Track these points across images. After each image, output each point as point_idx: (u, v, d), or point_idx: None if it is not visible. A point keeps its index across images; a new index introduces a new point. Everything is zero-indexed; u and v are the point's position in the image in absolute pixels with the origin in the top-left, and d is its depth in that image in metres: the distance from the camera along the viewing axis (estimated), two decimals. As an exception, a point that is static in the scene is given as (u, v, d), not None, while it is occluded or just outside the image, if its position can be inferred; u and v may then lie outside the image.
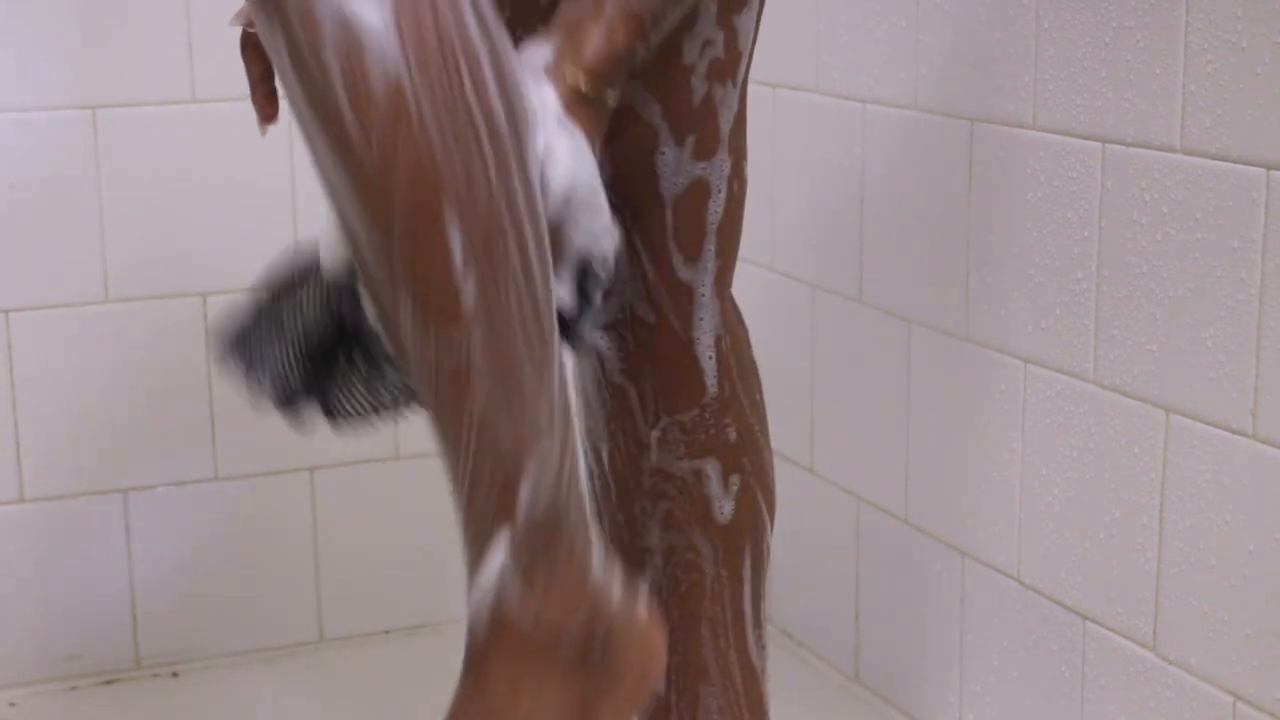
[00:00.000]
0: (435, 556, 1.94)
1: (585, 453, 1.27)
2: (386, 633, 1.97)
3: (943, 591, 1.66)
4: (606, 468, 1.27)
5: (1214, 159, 1.29)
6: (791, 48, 1.81)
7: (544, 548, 0.97)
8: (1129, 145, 1.37)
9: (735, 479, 1.26)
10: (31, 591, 1.82)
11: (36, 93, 1.75)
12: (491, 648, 0.98)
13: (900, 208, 1.67)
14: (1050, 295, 1.48)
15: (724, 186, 1.23)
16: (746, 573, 1.28)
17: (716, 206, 1.23)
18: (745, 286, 1.92)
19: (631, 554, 1.26)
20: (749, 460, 1.27)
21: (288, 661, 1.90)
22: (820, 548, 1.86)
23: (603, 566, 1.01)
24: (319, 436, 1.91)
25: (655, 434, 1.25)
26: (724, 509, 1.26)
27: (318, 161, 0.98)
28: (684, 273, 1.23)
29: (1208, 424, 1.33)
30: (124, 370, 1.82)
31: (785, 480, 1.91)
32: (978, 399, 1.58)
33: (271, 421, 1.89)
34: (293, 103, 0.98)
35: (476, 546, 0.97)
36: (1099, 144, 1.40)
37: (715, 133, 1.22)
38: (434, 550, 1.94)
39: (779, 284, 1.88)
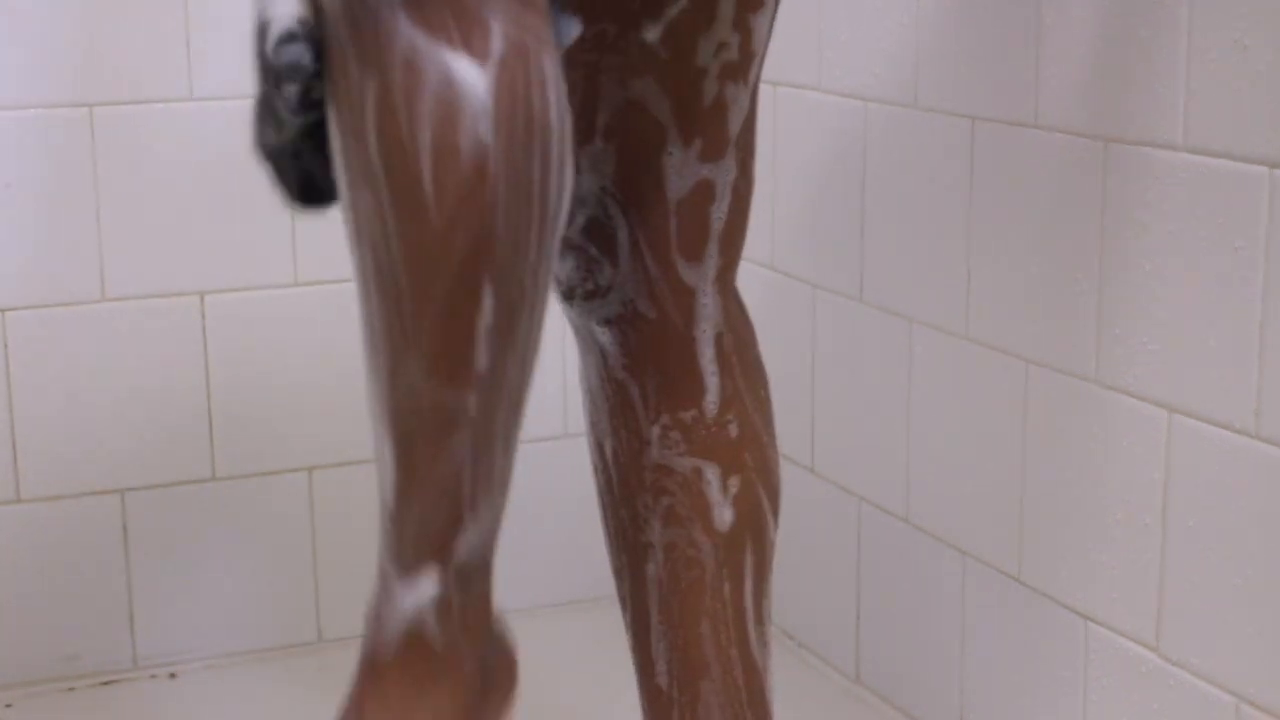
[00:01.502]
0: (434, 557, 1.93)
1: (590, 448, 1.28)
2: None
3: (944, 592, 1.66)
4: (610, 462, 1.27)
5: (1217, 157, 1.29)
6: (793, 45, 1.80)
7: (468, 587, 1.03)
8: (1131, 143, 1.37)
9: (735, 480, 1.26)
10: (28, 592, 1.82)
11: (33, 91, 1.75)
12: (398, 659, 1.03)
13: (901, 206, 1.67)
14: (1052, 294, 1.48)
15: (729, 188, 1.23)
16: (748, 569, 1.27)
17: (721, 209, 1.23)
18: (745, 285, 1.92)
19: (634, 549, 1.26)
20: (751, 456, 1.26)
21: (286, 662, 1.90)
22: (821, 548, 1.86)
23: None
24: (319, 436, 1.92)
25: (656, 430, 1.24)
26: (724, 515, 1.26)
27: (361, 200, 0.99)
28: (686, 272, 1.23)
29: (1211, 424, 1.33)
30: (121, 370, 1.82)
31: (785, 480, 1.91)
32: (979, 398, 1.58)
33: (271, 421, 1.90)
34: (354, 139, 0.99)
35: (402, 566, 1.02)
36: (1101, 142, 1.40)
37: (724, 134, 1.21)
38: (433, 550, 1.93)
39: (779, 283, 1.88)
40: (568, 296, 1.24)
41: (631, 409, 1.25)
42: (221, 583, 1.89)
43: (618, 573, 1.29)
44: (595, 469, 1.29)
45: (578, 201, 1.21)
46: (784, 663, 1.88)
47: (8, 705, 1.79)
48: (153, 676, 1.86)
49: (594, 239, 1.22)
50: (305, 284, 1.87)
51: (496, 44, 0.99)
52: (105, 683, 1.85)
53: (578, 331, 1.27)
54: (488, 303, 1.02)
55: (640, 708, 1.28)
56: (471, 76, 0.98)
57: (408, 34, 0.97)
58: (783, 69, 1.82)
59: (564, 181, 1.00)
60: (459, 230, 1.00)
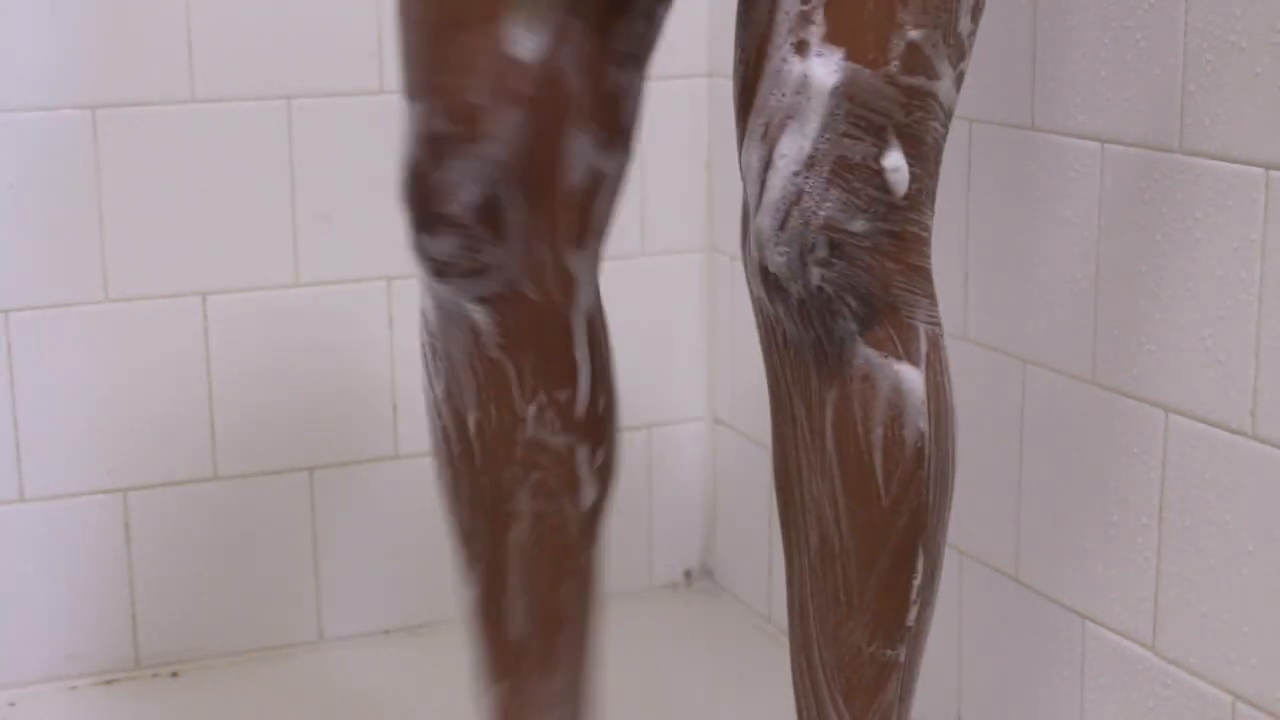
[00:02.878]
0: (435, 556, 1.94)
1: (440, 415, 1.30)
2: (386, 633, 1.97)
3: (942, 590, 1.66)
4: (473, 435, 1.29)
5: (1213, 159, 1.30)
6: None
7: None
8: (1128, 145, 1.38)
9: (600, 453, 1.31)
10: (31, 591, 1.82)
11: (36, 92, 1.75)
12: None
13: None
14: (1049, 295, 1.48)
15: (618, 179, 1.26)
16: (601, 535, 1.34)
17: (610, 200, 1.26)
18: (743, 286, 1.92)
19: (496, 516, 1.30)
20: (610, 430, 1.32)
21: (287, 661, 1.90)
22: (820, 548, 1.86)
23: None
24: (320, 436, 1.92)
25: (532, 409, 1.27)
26: (590, 489, 1.31)
27: (813, 486, 1.19)
28: (573, 260, 1.25)
29: (1207, 424, 1.33)
30: (123, 370, 1.82)
31: (785, 480, 1.92)
32: (976, 398, 1.59)
33: (272, 421, 1.90)
34: (812, 436, 1.19)
35: None
36: (1098, 144, 1.41)
37: (620, 123, 1.24)
38: (434, 550, 1.94)
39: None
40: (440, 273, 1.23)
41: (506, 386, 1.27)
42: (223, 582, 1.90)
43: (469, 534, 1.31)
44: (446, 437, 1.30)
45: (471, 179, 1.20)
46: (782, 658, 1.88)
47: (11, 704, 1.79)
48: (155, 675, 1.87)
49: (484, 219, 1.21)
50: (307, 284, 1.88)
51: (924, 345, 1.17)
52: (107, 681, 1.85)
53: (441, 306, 1.26)
54: (920, 566, 1.20)
55: (481, 659, 1.33)
56: (912, 380, 1.16)
57: (864, 354, 1.15)
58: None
59: (956, 443, 1.21)
60: (903, 508, 1.18)
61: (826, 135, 1.09)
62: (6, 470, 1.79)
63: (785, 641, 1.93)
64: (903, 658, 1.22)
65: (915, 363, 1.16)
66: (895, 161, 1.11)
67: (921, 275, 1.16)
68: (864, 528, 1.17)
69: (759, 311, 1.20)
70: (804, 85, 1.09)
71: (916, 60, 1.10)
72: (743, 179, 1.16)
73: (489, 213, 1.21)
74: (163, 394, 1.84)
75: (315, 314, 1.88)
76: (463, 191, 1.20)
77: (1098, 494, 1.45)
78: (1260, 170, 1.26)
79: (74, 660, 1.85)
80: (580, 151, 1.22)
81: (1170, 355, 1.36)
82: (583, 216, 1.24)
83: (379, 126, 1.79)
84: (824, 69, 1.09)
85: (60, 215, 1.78)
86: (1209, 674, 1.35)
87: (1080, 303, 1.45)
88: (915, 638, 1.23)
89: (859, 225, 1.11)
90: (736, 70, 1.18)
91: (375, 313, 1.90)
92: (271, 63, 1.82)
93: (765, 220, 1.12)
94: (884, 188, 1.11)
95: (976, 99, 1.54)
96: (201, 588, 1.89)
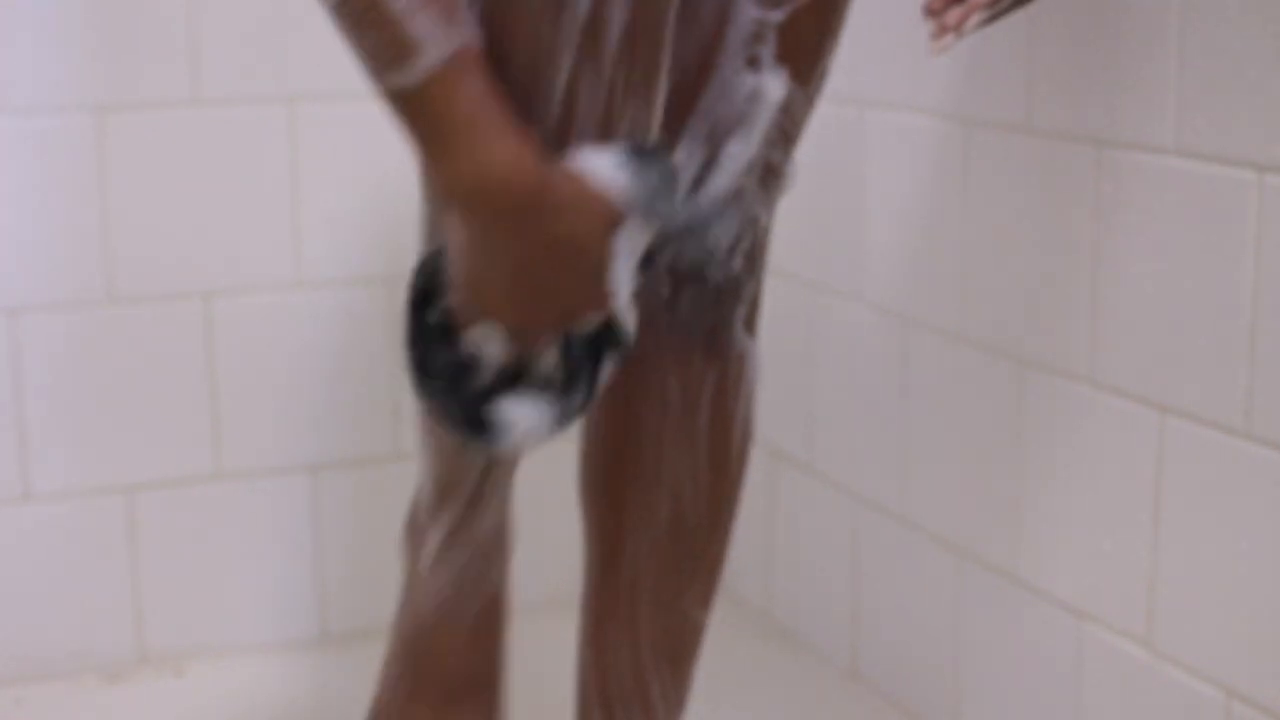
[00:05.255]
0: (437, 554, 1.94)
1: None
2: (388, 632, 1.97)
3: (940, 588, 1.67)
4: None
5: (1207, 161, 1.30)
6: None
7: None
8: (1123, 147, 1.38)
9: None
10: (37, 588, 1.83)
11: (41, 94, 1.75)
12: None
13: (898, 209, 1.68)
14: (1045, 296, 1.49)
15: None
16: None
17: None
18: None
19: None
20: None
21: (291, 657, 1.91)
22: (818, 544, 1.87)
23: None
24: (322, 435, 1.93)
25: None
26: None
27: (677, 456, 1.31)
28: None
29: (1201, 424, 1.34)
30: (127, 370, 1.82)
31: (785, 480, 1.92)
32: (974, 399, 1.59)
33: (275, 420, 1.90)
34: (687, 415, 1.29)
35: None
36: (1094, 146, 1.41)
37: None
38: (436, 548, 1.94)
39: (779, 285, 1.88)
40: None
41: None
42: (227, 579, 1.90)
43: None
44: None
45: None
46: (781, 658, 1.89)
47: (17, 700, 1.80)
48: (159, 672, 1.87)
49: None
50: (308, 285, 1.88)
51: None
52: (112, 678, 1.86)
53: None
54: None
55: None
56: (757, 358, 1.30)
57: (741, 336, 1.28)
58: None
59: None
60: (741, 478, 1.31)
61: (764, 142, 1.22)
62: (13, 469, 1.80)
63: (786, 640, 1.94)
64: (708, 619, 1.34)
65: (755, 342, 1.31)
66: (793, 167, 1.27)
67: None
68: (718, 498, 1.30)
69: (645, 302, 1.26)
70: (755, 96, 1.20)
71: (823, 80, 1.26)
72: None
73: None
74: (165, 394, 1.84)
75: (318, 314, 1.88)
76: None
77: (1093, 493, 1.45)
78: (1252, 172, 1.26)
79: (79, 657, 1.86)
80: None
81: (1165, 356, 1.37)
82: None
83: (380, 127, 1.78)
84: (774, 83, 1.21)
85: (66, 217, 1.78)
86: (1203, 671, 1.36)
87: (1075, 304, 1.45)
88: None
89: (765, 220, 1.28)
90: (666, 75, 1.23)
91: (376, 313, 1.90)
92: (273, 64, 1.82)
93: (703, 213, 1.22)
94: (780, 189, 1.27)
95: (973, 103, 1.55)
96: (205, 586, 1.89)
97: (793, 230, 1.86)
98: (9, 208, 1.76)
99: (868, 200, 1.72)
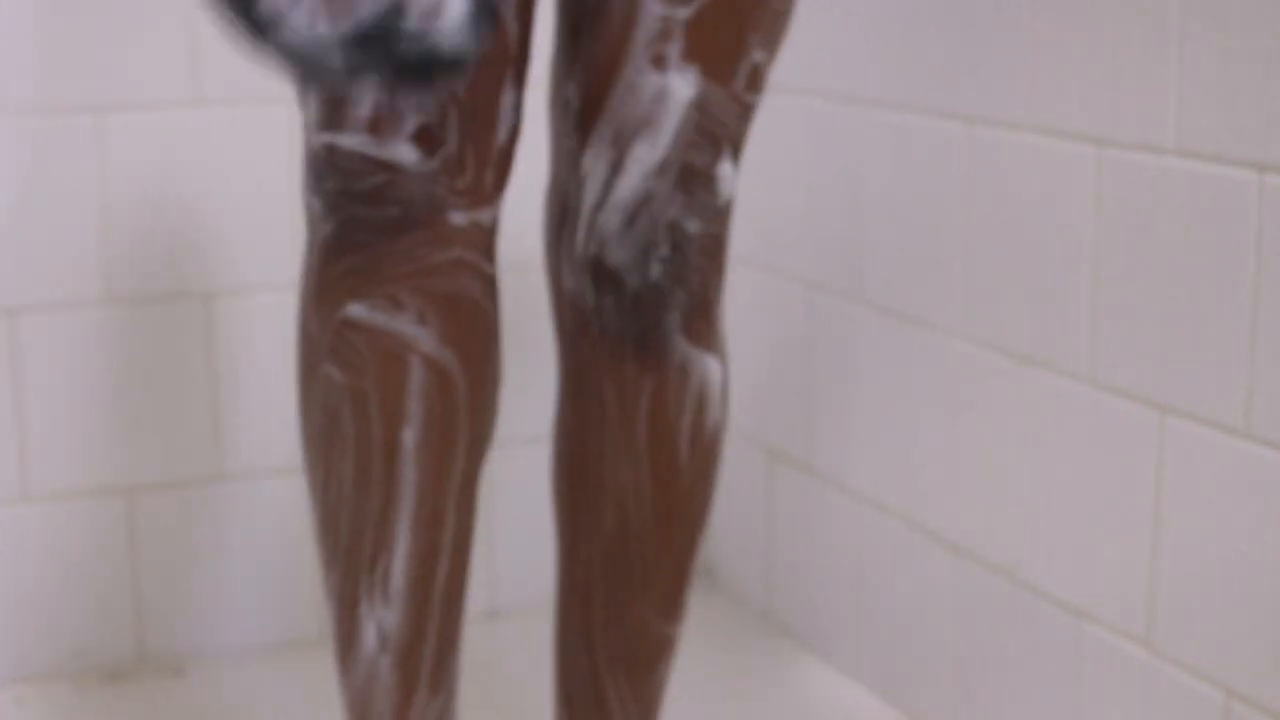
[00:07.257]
0: (437, 554, 1.95)
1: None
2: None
3: (940, 588, 1.67)
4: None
5: (1207, 161, 1.30)
6: (786, 51, 1.81)
7: None
8: (1124, 147, 1.38)
9: None
10: (36, 589, 1.83)
11: (41, 94, 1.76)
12: None
13: (898, 209, 1.68)
14: (1046, 296, 1.49)
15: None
16: None
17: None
18: (745, 288, 1.93)
19: None
20: None
21: (291, 659, 1.91)
22: (818, 544, 1.87)
23: None
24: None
25: None
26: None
27: (618, 470, 1.26)
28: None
29: (1202, 424, 1.34)
30: (128, 370, 1.83)
31: (784, 479, 1.92)
32: (975, 398, 1.59)
33: (275, 420, 1.90)
34: (620, 429, 1.26)
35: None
36: (1094, 146, 1.41)
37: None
38: (436, 548, 1.95)
39: (778, 284, 1.89)
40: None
41: None
42: (227, 579, 1.91)
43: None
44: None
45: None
46: (782, 658, 1.89)
47: (17, 701, 1.80)
48: (159, 672, 1.88)
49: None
50: (309, 285, 1.88)
51: (721, 340, 1.27)
52: (112, 679, 1.86)
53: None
54: (700, 545, 1.30)
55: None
56: (715, 372, 1.26)
57: (682, 346, 1.23)
58: (782, 72, 1.83)
59: None
60: (697, 491, 1.27)
61: (677, 144, 1.17)
62: (12, 469, 1.80)
63: (786, 639, 1.94)
64: (677, 634, 1.32)
65: (719, 356, 1.26)
66: (727, 170, 1.20)
67: (724, 277, 1.26)
68: (664, 510, 1.26)
69: (570, 306, 1.26)
70: (661, 96, 1.16)
71: (757, 80, 1.21)
72: (580, 180, 1.20)
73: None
74: (166, 394, 1.85)
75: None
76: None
77: (1093, 493, 1.46)
78: (1253, 173, 1.26)
79: (79, 657, 1.86)
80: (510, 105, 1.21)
81: (1165, 356, 1.37)
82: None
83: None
84: (681, 83, 1.16)
85: (65, 217, 1.78)
86: (1203, 672, 1.36)
87: (1076, 303, 1.45)
88: (684, 614, 1.32)
89: (693, 226, 1.20)
90: (577, 79, 1.21)
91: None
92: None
93: (612, 217, 1.19)
94: (714, 193, 1.20)
95: (975, 101, 1.55)
96: (205, 585, 1.90)
97: (793, 230, 1.87)
98: (9, 208, 1.77)
99: (868, 200, 1.73)
